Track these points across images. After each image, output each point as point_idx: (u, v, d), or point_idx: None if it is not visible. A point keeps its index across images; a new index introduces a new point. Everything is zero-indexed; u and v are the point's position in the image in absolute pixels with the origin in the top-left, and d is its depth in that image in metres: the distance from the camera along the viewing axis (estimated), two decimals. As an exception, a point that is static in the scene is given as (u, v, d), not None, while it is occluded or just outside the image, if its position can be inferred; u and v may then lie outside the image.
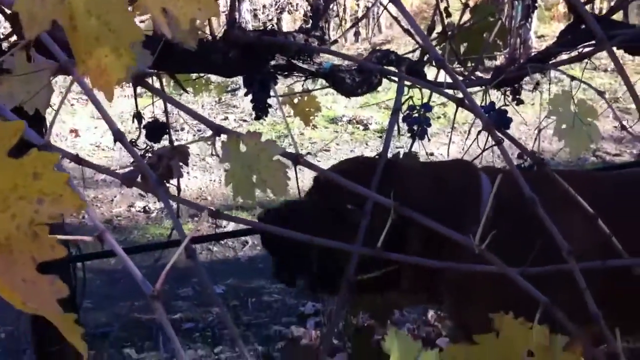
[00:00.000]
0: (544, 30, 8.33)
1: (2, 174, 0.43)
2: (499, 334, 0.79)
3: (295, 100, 1.83)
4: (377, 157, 1.26)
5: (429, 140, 1.31)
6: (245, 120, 6.02)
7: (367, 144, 5.39)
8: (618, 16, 1.68)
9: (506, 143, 0.93)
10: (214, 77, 2.03)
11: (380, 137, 5.35)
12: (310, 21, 1.54)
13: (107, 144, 5.59)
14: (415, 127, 1.23)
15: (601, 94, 1.16)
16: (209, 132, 0.94)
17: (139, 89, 1.63)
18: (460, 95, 0.90)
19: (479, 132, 0.92)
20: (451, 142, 1.58)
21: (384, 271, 0.99)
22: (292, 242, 0.88)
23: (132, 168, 0.93)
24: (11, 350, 2.71)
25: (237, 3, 1.34)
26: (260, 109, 1.49)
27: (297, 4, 8.67)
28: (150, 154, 1.19)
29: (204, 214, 0.81)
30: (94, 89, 0.54)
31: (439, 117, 5.22)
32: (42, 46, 0.74)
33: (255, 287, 3.25)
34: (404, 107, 1.38)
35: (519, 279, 0.83)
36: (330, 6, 1.57)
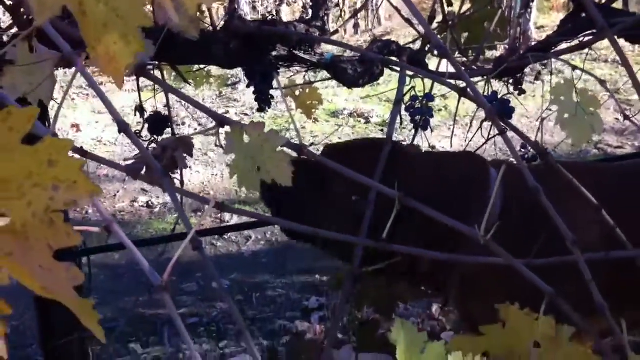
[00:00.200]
0: (544, 20, 8.29)
1: (17, 162, 0.43)
2: (505, 325, 0.79)
3: (297, 93, 1.83)
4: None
5: (432, 131, 1.31)
6: (246, 114, 6.01)
7: (368, 137, 5.39)
8: (618, 5, 1.67)
9: (509, 134, 0.93)
10: (214, 70, 2.03)
11: (382, 130, 5.34)
12: (310, 12, 1.54)
13: (109, 139, 5.59)
14: (417, 118, 1.22)
15: (603, 83, 1.16)
16: (211, 126, 0.94)
17: (141, 83, 1.63)
18: (463, 85, 0.89)
19: (482, 121, 0.91)
20: (453, 134, 1.57)
21: (387, 263, 0.98)
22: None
23: (136, 160, 0.93)
24: (17, 345, 2.72)
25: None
26: (263, 101, 1.48)
27: (295, -4, 8.65)
28: (154, 146, 1.19)
29: (209, 207, 0.80)
30: (103, 80, 0.53)
31: (440, 110, 5.21)
32: (45, 37, 0.74)
33: (260, 281, 3.26)
34: (406, 97, 1.37)
35: (525, 270, 0.83)
36: (330, -3, 1.56)
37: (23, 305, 2.58)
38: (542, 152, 0.98)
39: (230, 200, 4.31)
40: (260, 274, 3.33)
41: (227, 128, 0.91)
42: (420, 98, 1.21)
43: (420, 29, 1.52)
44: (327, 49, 1.50)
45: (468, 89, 0.88)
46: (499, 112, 1.05)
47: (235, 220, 3.81)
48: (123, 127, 0.85)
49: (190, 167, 4.66)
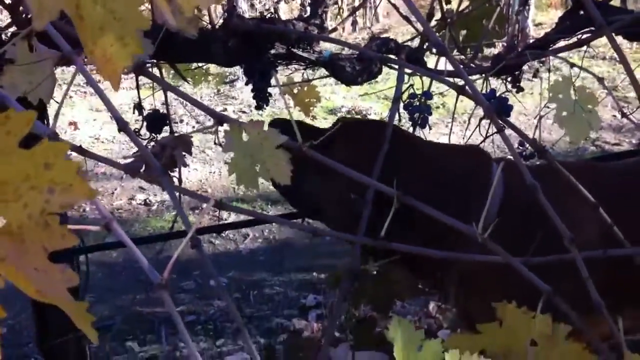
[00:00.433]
0: (542, 18, 8.31)
1: (13, 165, 0.43)
2: (502, 324, 0.79)
3: (295, 90, 1.83)
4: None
5: (430, 129, 1.31)
6: (244, 112, 6.01)
7: (366, 134, 5.38)
8: (615, 2, 1.67)
9: (507, 131, 0.92)
10: (212, 68, 2.02)
11: (380, 127, 5.34)
12: (308, 10, 1.53)
13: (107, 137, 5.59)
14: (416, 116, 1.22)
15: (601, 80, 1.15)
16: (209, 124, 0.94)
17: (139, 81, 1.62)
18: (461, 83, 0.89)
19: (481, 119, 0.91)
20: (451, 132, 1.57)
21: (388, 260, 0.98)
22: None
23: (135, 158, 0.93)
24: (14, 343, 2.72)
25: (234, -7, 1.34)
26: (261, 99, 1.48)
27: (293, -7, 8.64)
28: (153, 144, 1.19)
29: (207, 205, 0.80)
30: (101, 78, 0.53)
31: (438, 107, 5.21)
32: (44, 35, 0.74)
33: (257, 279, 3.26)
34: (405, 95, 1.37)
35: (523, 268, 0.83)
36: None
37: (19, 304, 2.58)
38: (540, 150, 0.98)
39: (228, 197, 4.32)
40: (258, 272, 3.33)
41: (226, 126, 0.91)
42: (419, 96, 1.21)
43: (419, 26, 1.52)
44: (326, 46, 1.50)
45: (466, 87, 0.88)
46: (497, 110, 1.05)
47: (233, 218, 3.81)
48: (122, 126, 0.85)
49: (188, 165, 4.67)
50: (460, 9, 1.61)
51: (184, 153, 0.96)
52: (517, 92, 1.37)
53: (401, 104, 1.29)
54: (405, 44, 1.56)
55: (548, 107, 1.09)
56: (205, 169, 4.80)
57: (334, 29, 1.53)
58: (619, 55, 0.87)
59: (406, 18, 1.57)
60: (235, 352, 2.63)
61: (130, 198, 4.44)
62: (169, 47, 1.33)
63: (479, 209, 1.32)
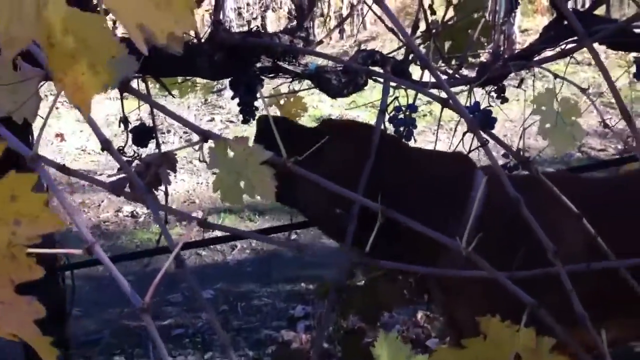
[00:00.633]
0: (528, 24, 8.35)
1: None
2: (486, 337, 0.79)
3: (282, 102, 1.83)
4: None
5: (415, 141, 1.31)
6: (231, 121, 6.00)
7: (354, 143, 5.38)
8: (601, 10, 1.69)
9: (492, 143, 0.93)
10: (199, 79, 2.02)
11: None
12: (295, 20, 1.54)
13: (93, 148, 5.56)
14: (401, 129, 1.22)
15: (584, 91, 1.16)
16: (196, 138, 0.93)
17: (125, 92, 1.62)
18: (445, 95, 0.90)
19: (464, 134, 0.91)
20: (438, 140, 1.58)
21: (374, 275, 0.98)
22: None
23: (120, 176, 0.93)
24: (1, 360, 2.69)
25: (221, 2, 1.34)
26: (247, 112, 1.48)
27: (281, 2, 8.64)
28: (138, 161, 1.18)
29: (190, 226, 0.80)
30: (71, 104, 0.53)
31: (425, 115, 5.23)
32: (28, 54, 0.73)
33: (245, 291, 3.24)
34: (390, 107, 1.37)
35: (507, 282, 0.83)
36: (315, 6, 1.56)
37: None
38: (524, 162, 0.99)
39: (216, 208, 4.30)
40: (246, 283, 3.32)
41: (211, 142, 0.91)
42: (404, 109, 1.21)
43: (404, 37, 1.52)
44: (312, 59, 1.50)
45: (450, 100, 0.89)
46: (481, 123, 1.05)
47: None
48: (105, 145, 0.85)
49: (175, 176, 4.65)
50: (446, 19, 1.62)
51: (168, 171, 0.96)
52: (502, 102, 1.38)
53: (387, 116, 1.30)
54: (392, 54, 1.57)
55: (533, 117, 1.10)
56: (192, 180, 4.79)
57: (320, 42, 1.54)
58: (600, 67, 0.88)
59: (392, 30, 1.57)
60: (224, 365, 2.62)
61: (117, 210, 4.42)
62: (155, 61, 1.32)
63: (459, 217, 1.34)
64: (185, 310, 3.06)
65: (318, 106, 5.91)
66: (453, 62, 1.61)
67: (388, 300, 1.57)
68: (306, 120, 1.74)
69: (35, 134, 1.62)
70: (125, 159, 1.70)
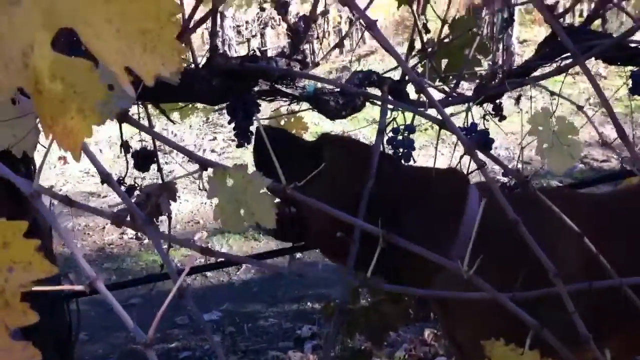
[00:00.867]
0: (526, 34, 8.38)
1: None
2: (491, 361, 0.79)
3: (282, 122, 1.84)
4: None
5: (414, 162, 1.32)
6: (233, 140, 5.99)
7: (356, 159, 5.38)
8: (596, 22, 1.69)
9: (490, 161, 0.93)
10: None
11: (369, 151, 5.35)
12: (292, 42, 1.54)
13: (96, 171, 5.57)
14: (399, 150, 1.23)
15: (580, 108, 1.17)
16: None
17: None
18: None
19: (461, 157, 0.92)
20: (439, 154, 1.58)
21: (375, 301, 0.98)
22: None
23: (121, 207, 0.94)
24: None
25: (217, 26, 1.35)
26: (243, 137, 1.49)
27: (279, 19, 8.66)
28: (138, 192, 1.19)
29: (190, 261, 0.81)
30: (61, 150, 0.54)
31: (426, 129, 5.23)
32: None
33: (251, 311, 3.23)
34: (389, 127, 1.38)
35: (509, 303, 0.84)
36: (310, 29, 1.57)
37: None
38: (522, 182, 0.99)
39: (220, 228, 4.30)
40: (252, 304, 3.31)
41: (210, 171, 0.92)
42: (402, 130, 1.22)
43: (402, 56, 1.53)
44: (309, 80, 1.51)
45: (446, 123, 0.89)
46: (478, 144, 1.05)
47: (225, 249, 3.81)
48: (106, 178, 0.86)
49: (179, 197, 4.66)
50: (441, 37, 1.62)
51: (169, 200, 0.97)
52: (500, 120, 1.39)
53: (385, 137, 1.30)
54: (390, 71, 1.58)
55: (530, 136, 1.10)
56: (196, 200, 4.79)
57: (317, 64, 1.55)
58: (593, 84, 0.88)
59: (388, 50, 1.58)
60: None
61: (122, 233, 4.43)
62: (153, 88, 1.33)
63: (455, 234, 1.34)
64: (191, 332, 3.06)
65: (319, 123, 5.92)
66: (450, 78, 1.61)
67: (393, 320, 1.56)
68: (308, 138, 1.75)
69: (36, 160, 1.63)
70: (128, 183, 1.71)
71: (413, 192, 1.40)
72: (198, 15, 1.31)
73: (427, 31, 1.66)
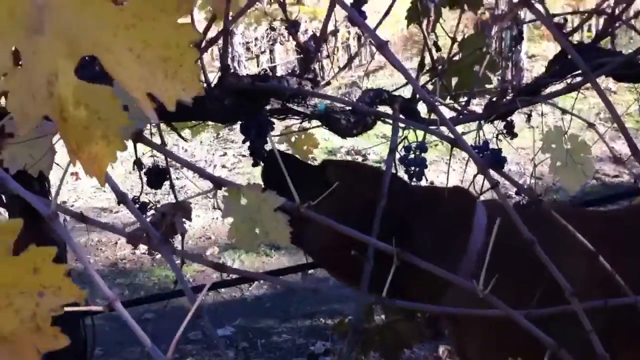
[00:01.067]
0: (535, 49, 8.38)
1: (3, 272, 0.44)
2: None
3: (293, 139, 1.85)
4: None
5: (427, 180, 1.33)
6: (244, 155, 6.04)
7: (366, 174, 5.38)
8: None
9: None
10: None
11: (379, 167, 5.36)
12: (302, 60, 1.56)
13: (109, 186, 5.59)
14: (412, 169, 1.24)
15: (591, 125, 1.17)
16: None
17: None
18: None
19: (474, 176, 0.93)
20: (451, 169, 1.59)
21: (389, 320, 0.99)
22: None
23: (137, 226, 0.95)
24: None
25: (228, 45, 1.37)
26: (258, 155, 1.50)
27: (288, 35, 8.68)
28: (153, 211, 1.20)
29: (210, 263, 0.82)
30: (89, 175, 0.55)
31: (436, 145, 5.23)
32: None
33: (264, 327, 3.24)
34: (400, 145, 1.39)
35: (525, 321, 0.84)
36: (320, 48, 1.59)
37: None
38: (535, 200, 1.00)
39: (232, 244, 4.31)
40: (265, 319, 3.31)
41: (224, 190, 0.93)
42: (414, 149, 1.23)
43: (412, 72, 1.55)
44: (321, 99, 1.52)
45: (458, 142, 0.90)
46: (491, 163, 1.06)
47: (237, 265, 3.81)
48: (122, 198, 0.87)
49: (187, 231, 4.65)
50: (451, 55, 1.64)
51: (183, 219, 0.98)
52: (512, 138, 1.40)
53: (397, 155, 1.31)
54: (400, 88, 1.59)
55: (543, 153, 1.11)
56: (208, 216, 4.81)
57: (328, 83, 1.56)
58: (605, 101, 0.89)
59: (399, 69, 1.59)
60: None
61: (134, 248, 4.44)
62: (166, 108, 1.35)
63: (463, 251, 1.35)
64: (205, 348, 3.06)
65: (329, 138, 5.94)
66: (461, 96, 1.62)
67: (407, 338, 1.57)
68: (318, 153, 1.76)
69: (52, 191, 1.65)
70: (142, 200, 1.72)
71: (420, 210, 1.42)
72: (209, 34, 1.33)
73: (438, 49, 1.67)
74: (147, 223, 0.90)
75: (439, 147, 5.30)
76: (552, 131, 1.07)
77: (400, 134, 1.31)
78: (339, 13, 1.19)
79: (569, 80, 1.46)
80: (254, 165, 1.48)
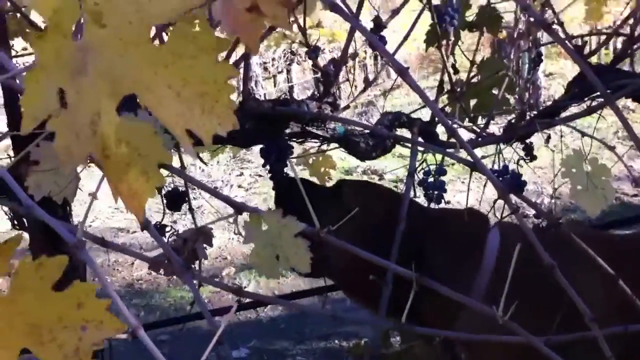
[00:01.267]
0: (552, 67, 8.37)
1: (48, 307, 0.45)
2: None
3: (310, 161, 1.86)
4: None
5: (446, 203, 1.33)
6: (260, 176, 6.06)
7: (383, 194, 5.37)
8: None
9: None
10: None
11: (396, 186, 5.35)
12: (322, 82, 1.57)
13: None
14: (430, 192, 1.24)
15: (611, 149, 1.17)
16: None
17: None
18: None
19: (494, 201, 0.93)
20: (470, 190, 1.59)
21: (407, 346, 0.98)
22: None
23: (159, 251, 0.96)
24: None
25: (249, 70, 1.38)
26: (279, 180, 1.51)
27: (305, 55, 8.74)
28: (175, 237, 1.21)
29: (229, 287, 0.82)
30: (128, 211, 0.56)
31: (453, 164, 5.22)
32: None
33: (279, 348, 3.22)
34: (419, 168, 1.39)
35: (544, 348, 0.84)
36: (340, 71, 1.60)
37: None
38: (554, 224, 0.99)
39: (248, 264, 4.32)
40: (280, 341, 3.30)
41: (246, 216, 0.93)
42: (433, 172, 1.23)
43: (427, 91, 1.55)
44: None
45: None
46: (511, 187, 1.06)
47: (252, 286, 3.81)
48: (145, 225, 0.88)
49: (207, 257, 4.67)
50: (470, 77, 1.64)
51: (204, 245, 0.99)
52: (531, 161, 1.39)
53: (416, 178, 1.32)
54: (416, 111, 1.60)
55: (562, 178, 1.10)
56: (224, 236, 4.82)
57: (347, 107, 1.57)
58: (624, 124, 0.89)
59: (420, 94, 1.60)
60: None
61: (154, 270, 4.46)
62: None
63: (472, 274, 1.35)
64: (220, 370, 3.05)
65: (346, 158, 5.95)
66: (479, 120, 1.63)
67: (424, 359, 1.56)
68: (335, 173, 1.77)
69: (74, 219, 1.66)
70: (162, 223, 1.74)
71: (434, 232, 1.42)
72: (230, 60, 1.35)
73: (456, 71, 1.68)
74: (170, 250, 0.90)
75: (456, 166, 5.29)
76: (572, 155, 1.07)
77: (419, 157, 1.32)
78: (358, 35, 1.20)
79: (588, 103, 1.46)
80: (275, 189, 1.49)
